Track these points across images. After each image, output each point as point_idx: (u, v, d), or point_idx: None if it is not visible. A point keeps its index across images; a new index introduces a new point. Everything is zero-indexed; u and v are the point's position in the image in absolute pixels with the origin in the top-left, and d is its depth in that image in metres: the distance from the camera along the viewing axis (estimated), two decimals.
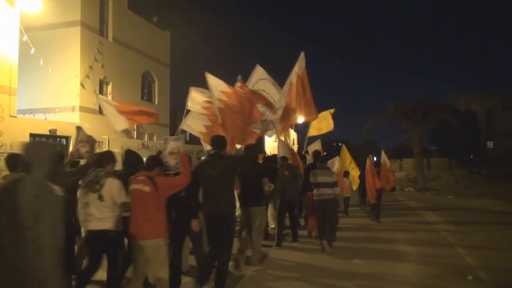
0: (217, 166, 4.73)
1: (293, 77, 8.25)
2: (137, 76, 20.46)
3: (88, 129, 7.23)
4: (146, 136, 20.05)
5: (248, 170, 5.67)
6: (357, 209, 13.58)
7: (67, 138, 14.18)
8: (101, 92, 17.36)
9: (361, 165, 13.40)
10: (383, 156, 12.19)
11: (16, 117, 11.09)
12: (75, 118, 15.40)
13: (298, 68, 8.31)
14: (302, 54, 8.45)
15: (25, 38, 11.69)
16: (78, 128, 6.13)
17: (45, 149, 2.38)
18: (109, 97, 17.79)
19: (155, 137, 20.14)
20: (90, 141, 4.48)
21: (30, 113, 14.60)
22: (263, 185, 5.82)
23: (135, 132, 19.02)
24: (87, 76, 16.37)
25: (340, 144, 30.76)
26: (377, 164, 12.12)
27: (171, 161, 5.17)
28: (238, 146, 7.66)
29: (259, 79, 9.17)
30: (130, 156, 4.75)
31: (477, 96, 44.17)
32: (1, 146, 10.12)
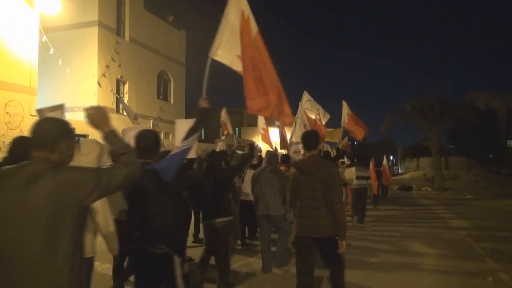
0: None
1: (234, 14, 4.46)
2: (153, 75, 20.67)
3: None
4: (162, 134, 20.24)
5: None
6: (369, 207, 13.45)
7: (85, 136, 14.43)
8: (117, 91, 17.59)
9: (377, 163, 13.64)
10: (384, 159, 15.23)
11: (36, 116, 11.32)
12: None
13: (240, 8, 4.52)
14: None
15: (44, 38, 11.91)
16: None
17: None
18: (126, 96, 18.02)
19: (170, 135, 20.33)
20: None
21: None
22: None
23: None
24: (104, 76, 16.61)
25: (356, 143, 30.44)
26: (379, 164, 13.63)
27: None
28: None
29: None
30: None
31: (497, 94, 43.16)
32: None
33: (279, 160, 6.87)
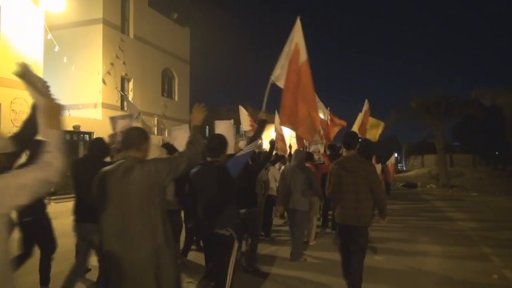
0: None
1: (291, 46, 5.34)
2: (158, 73, 20.71)
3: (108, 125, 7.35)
4: (166, 132, 20.29)
5: None
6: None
7: (90, 133, 14.50)
8: (122, 88, 17.65)
9: (381, 160, 13.49)
10: (393, 157, 14.75)
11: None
12: (98, 114, 15.71)
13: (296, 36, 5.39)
14: (297, 21, 5.41)
15: (49, 36, 11.97)
16: (113, 119, 6.19)
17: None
18: (130, 93, 18.08)
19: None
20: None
21: None
22: None
23: (156, 128, 19.28)
24: (109, 73, 16.67)
25: (360, 140, 30.30)
26: (381, 161, 13.47)
27: (179, 148, 5.31)
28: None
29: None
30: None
31: (503, 91, 42.80)
32: None
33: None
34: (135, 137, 2.62)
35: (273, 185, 7.55)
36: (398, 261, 6.25)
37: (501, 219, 11.07)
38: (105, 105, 16.26)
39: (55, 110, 1.84)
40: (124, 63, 17.63)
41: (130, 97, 17.67)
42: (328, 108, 10.85)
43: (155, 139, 14.57)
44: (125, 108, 16.61)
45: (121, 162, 2.51)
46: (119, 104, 17.13)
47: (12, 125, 10.04)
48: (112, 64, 16.90)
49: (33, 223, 4.15)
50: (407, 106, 28.87)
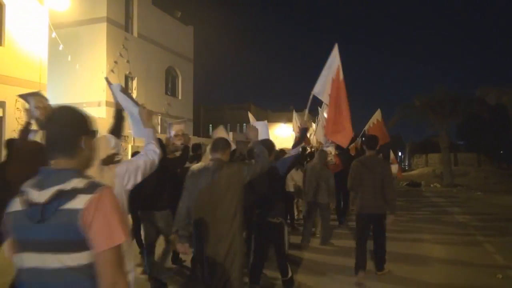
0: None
1: (333, 72, 6.56)
2: (161, 71, 20.73)
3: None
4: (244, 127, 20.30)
5: None
6: None
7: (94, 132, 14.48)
8: (126, 87, 17.69)
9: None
10: (392, 154, 14.68)
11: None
12: (102, 113, 15.76)
13: (336, 62, 6.67)
14: (336, 46, 6.74)
15: (53, 35, 12.01)
16: (170, 124, 6.27)
17: None
18: (134, 92, 18.12)
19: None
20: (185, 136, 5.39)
21: None
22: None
23: (159, 127, 19.32)
24: (113, 71, 16.70)
25: (363, 138, 30.23)
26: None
27: (177, 142, 5.63)
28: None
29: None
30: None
31: (508, 89, 42.51)
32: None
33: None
34: (221, 145, 3.49)
35: (290, 183, 8.32)
36: (400, 261, 6.24)
37: (505, 218, 11.02)
38: (109, 104, 16.29)
39: (148, 114, 2.79)
40: (128, 61, 17.67)
41: (134, 95, 17.72)
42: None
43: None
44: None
45: (211, 162, 3.44)
46: None
47: (17, 123, 10.08)
48: (116, 62, 16.94)
49: None
50: (411, 104, 28.76)
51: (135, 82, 18.50)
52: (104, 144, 2.70)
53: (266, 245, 4.52)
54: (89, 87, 16.13)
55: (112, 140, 2.81)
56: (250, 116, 11.27)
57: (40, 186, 1.47)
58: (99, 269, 1.42)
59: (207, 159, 3.80)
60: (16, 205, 1.50)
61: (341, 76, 6.57)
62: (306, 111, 6.53)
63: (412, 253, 6.76)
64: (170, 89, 21.99)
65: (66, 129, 1.56)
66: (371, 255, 5.47)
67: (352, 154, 10.07)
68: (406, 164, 56.95)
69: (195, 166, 3.56)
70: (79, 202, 1.41)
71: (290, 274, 4.46)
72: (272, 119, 32.34)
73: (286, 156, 5.20)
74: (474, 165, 36.72)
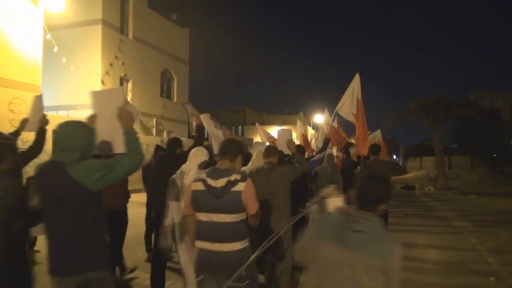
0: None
1: (358, 95, 8.62)
2: (157, 74, 20.71)
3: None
4: (164, 133, 20.29)
5: None
6: None
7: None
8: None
9: None
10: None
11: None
12: None
13: (357, 87, 8.76)
14: (357, 75, 8.87)
15: (48, 36, 11.97)
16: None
17: None
18: (129, 94, 18.08)
19: (173, 134, 20.38)
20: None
21: (53, 110, 14.96)
22: None
23: (154, 129, 19.28)
24: (108, 74, 16.67)
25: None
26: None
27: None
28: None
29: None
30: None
31: (502, 93, 42.88)
32: (26, 142, 10.40)
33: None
34: (273, 150, 4.53)
35: None
36: None
37: (498, 221, 11.09)
38: None
39: (228, 134, 4.29)
40: (123, 63, 17.63)
41: (129, 98, 17.66)
42: (336, 118, 11.89)
43: (154, 140, 14.54)
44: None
45: (265, 164, 4.40)
46: None
47: (10, 125, 10.01)
48: (111, 64, 16.91)
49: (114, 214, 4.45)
50: (405, 108, 28.92)
51: (130, 85, 18.46)
52: (200, 154, 3.89)
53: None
54: (84, 89, 16.06)
55: (205, 151, 3.96)
56: (259, 127, 12.10)
57: (215, 177, 2.76)
58: (250, 221, 2.86)
59: (259, 162, 4.69)
60: (198, 185, 2.78)
61: (360, 98, 8.60)
62: (330, 126, 9.39)
63: (404, 255, 6.79)
64: (165, 92, 21.96)
65: (236, 147, 3.00)
66: None
67: (355, 160, 11.11)
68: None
69: (246, 168, 4.58)
70: (240, 187, 2.73)
71: None
72: (267, 122, 32.43)
73: (313, 159, 6.94)
74: (467, 168, 36.99)
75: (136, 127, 11.41)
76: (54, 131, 2.37)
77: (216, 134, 4.34)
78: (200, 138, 4.69)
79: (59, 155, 2.26)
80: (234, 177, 2.74)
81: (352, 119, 8.72)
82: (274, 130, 33.04)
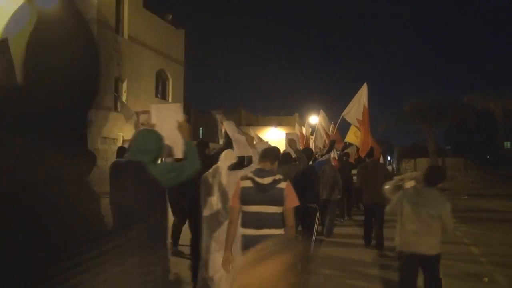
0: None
1: (365, 103, 9.90)
2: (152, 74, 20.65)
3: (103, 126, 7.33)
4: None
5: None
6: None
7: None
8: (116, 89, 17.57)
9: None
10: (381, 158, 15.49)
11: None
12: (91, 115, 15.62)
13: (363, 96, 10.06)
14: (365, 85, 10.12)
15: None
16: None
17: None
18: (124, 94, 18.01)
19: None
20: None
21: None
22: None
23: None
24: (102, 74, 16.59)
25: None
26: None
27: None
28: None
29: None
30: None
31: (494, 95, 43.25)
32: None
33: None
34: (309, 153, 5.72)
35: None
36: (386, 264, 6.28)
37: (491, 222, 11.18)
38: (98, 106, 16.18)
39: (252, 140, 4.85)
40: (118, 64, 17.57)
41: (124, 98, 17.60)
42: (333, 122, 12.62)
43: None
44: (118, 109, 16.54)
45: (294, 164, 5.89)
46: (113, 105, 17.05)
47: None
48: (106, 65, 16.83)
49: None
50: (400, 110, 29.10)
51: (125, 85, 18.40)
52: (230, 156, 4.23)
53: (298, 223, 5.54)
54: None
55: (233, 154, 4.35)
56: (255, 134, 12.35)
57: (261, 176, 3.41)
58: (287, 214, 3.39)
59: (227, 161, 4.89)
60: (247, 183, 3.42)
61: (366, 105, 9.82)
62: (335, 129, 11.00)
63: (395, 255, 6.80)
64: (160, 92, 21.90)
65: (275, 154, 3.79)
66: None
67: (353, 162, 12.00)
68: (395, 168, 57.39)
69: (287, 167, 5.67)
70: (282, 185, 3.40)
71: (311, 251, 5.22)
72: (263, 123, 32.44)
73: (320, 160, 8.04)
74: (461, 169, 37.20)
75: (131, 127, 11.35)
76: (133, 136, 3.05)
77: (239, 139, 4.84)
78: (229, 142, 5.06)
79: (137, 156, 2.70)
80: (278, 176, 3.43)
81: (356, 124, 10.02)
82: (269, 131, 33.13)
